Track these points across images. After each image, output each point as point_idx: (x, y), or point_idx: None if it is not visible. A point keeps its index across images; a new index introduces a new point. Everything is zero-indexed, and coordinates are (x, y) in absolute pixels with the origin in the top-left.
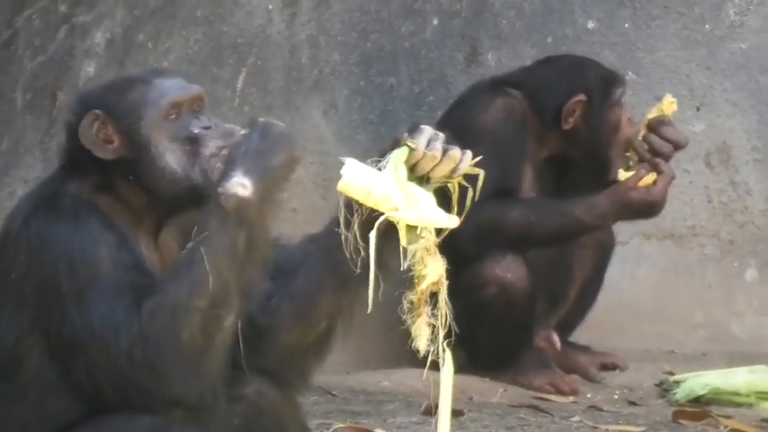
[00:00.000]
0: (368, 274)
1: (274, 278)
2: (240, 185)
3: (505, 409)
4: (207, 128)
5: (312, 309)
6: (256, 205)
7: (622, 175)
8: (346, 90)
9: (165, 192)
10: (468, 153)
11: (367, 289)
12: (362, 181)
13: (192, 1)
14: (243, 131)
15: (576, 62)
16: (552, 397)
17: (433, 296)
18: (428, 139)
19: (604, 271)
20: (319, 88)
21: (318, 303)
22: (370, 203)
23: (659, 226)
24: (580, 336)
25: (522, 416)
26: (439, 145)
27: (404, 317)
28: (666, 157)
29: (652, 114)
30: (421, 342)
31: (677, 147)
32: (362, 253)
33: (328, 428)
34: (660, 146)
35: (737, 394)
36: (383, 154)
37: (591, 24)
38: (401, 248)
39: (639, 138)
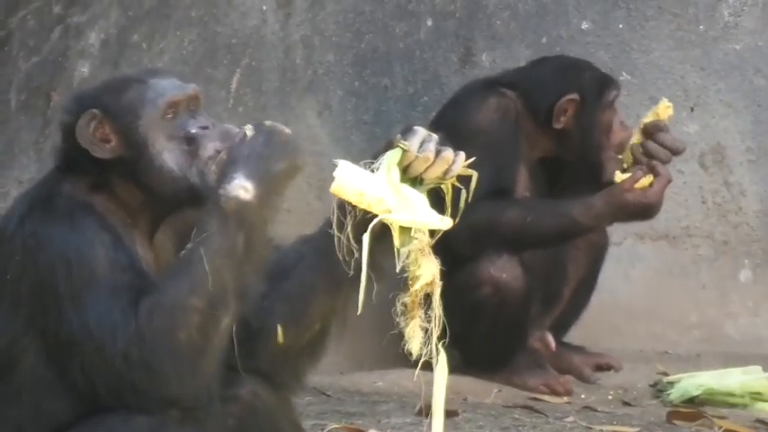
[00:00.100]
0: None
1: (268, 279)
2: (242, 188)
3: (500, 410)
4: (204, 128)
5: (306, 310)
6: (256, 208)
7: (619, 176)
8: (341, 91)
9: (161, 191)
10: (462, 154)
11: (363, 290)
12: (355, 183)
13: (187, 2)
14: (248, 131)
15: (571, 63)
16: (546, 397)
17: (428, 297)
18: (421, 141)
19: (598, 271)
20: (314, 89)
21: (312, 305)
22: (363, 205)
23: (653, 227)
24: (574, 336)
25: (517, 416)
26: (432, 146)
27: (397, 319)
28: (663, 163)
29: (648, 118)
30: (414, 344)
31: (674, 153)
32: (356, 254)
33: (323, 429)
34: (657, 152)
35: (732, 395)
36: (376, 156)
37: (585, 25)
38: (395, 250)
39: (634, 140)
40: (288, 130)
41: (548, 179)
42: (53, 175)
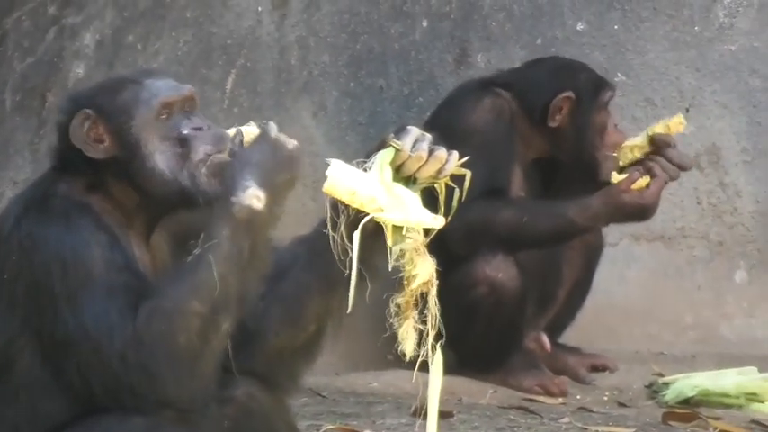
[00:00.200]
0: (357, 276)
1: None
2: (255, 197)
3: (495, 411)
4: (198, 129)
5: (301, 311)
6: (266, 217)
7: (615, 177)
8: (336, 91)
9: (154, 192)
10: (455, 154)
11: (357, 290)
12: (348, 182)
13: (182, 2)
14: (245, 131)
15: (566, 63)
16: (542, 398)
17: (422, 297)
18: (414, 140)
19: (593, 272)
20: (309, 90)
21: (308, 305)
22: (355, 204)
23: (649, 227)
24: (570, 337)
25: (512, 417)
26: (425, 146)
27: (391, 320)
28: (670, 180)
29: (658, 128)
30: (408, 345)
31: (682, 169)
32: (350, 254)
33: (318, 430)
34: (665, 168)
35: (727, 396)
36: (369, 155)
37: (580, 26)
38: (388, 249)
39: (638, 143)
40: (293, 141)
41: (542, 180)
42: (49, 175)
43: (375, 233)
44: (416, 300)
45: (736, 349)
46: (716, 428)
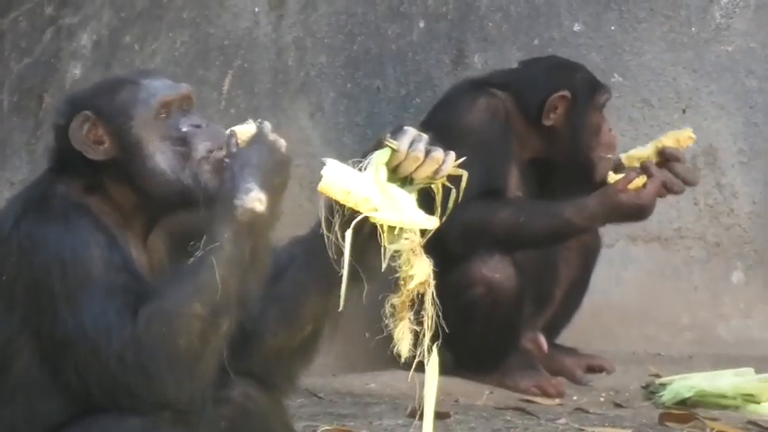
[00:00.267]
0: (353, 276)
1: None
2: (258, 200)
3: (491, 412)
4: (197, 126)
5: (298, 311)
6: (267, 219)
7: (612, 177)
8: (333, 92)
9: (155, 193)
10: (452, 154)
11: (354, 290)
12: (343, 181)
13: (179, 3)
14: (246, 127)
15: (562, 63)
16: (538, 399)
17: (419, 297)
18: (411, 140)
19: (590, 273)
20: (306, 90)
21: (305, 306)
22: (350, 204)
23: (646, 228)
24: (566, 338)
25: (509, 418)
26: (422, 146)
27: (386, 321)
28: (676, 194)
29: (668, 140)
30: (403, 346)
31: (688, 185)
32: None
33: (315, 431)
34: (672, 183)
35: (723, 396)
36: (365, 155)
37: (577, 27)
38: (383, 249)
39: (647, 152)
40: (285, 143)
41: (538, 180)
42: (46, 176)
43: (371, 234)
44: (412, 300)
45: (733, 350)
46: (713, 429)
